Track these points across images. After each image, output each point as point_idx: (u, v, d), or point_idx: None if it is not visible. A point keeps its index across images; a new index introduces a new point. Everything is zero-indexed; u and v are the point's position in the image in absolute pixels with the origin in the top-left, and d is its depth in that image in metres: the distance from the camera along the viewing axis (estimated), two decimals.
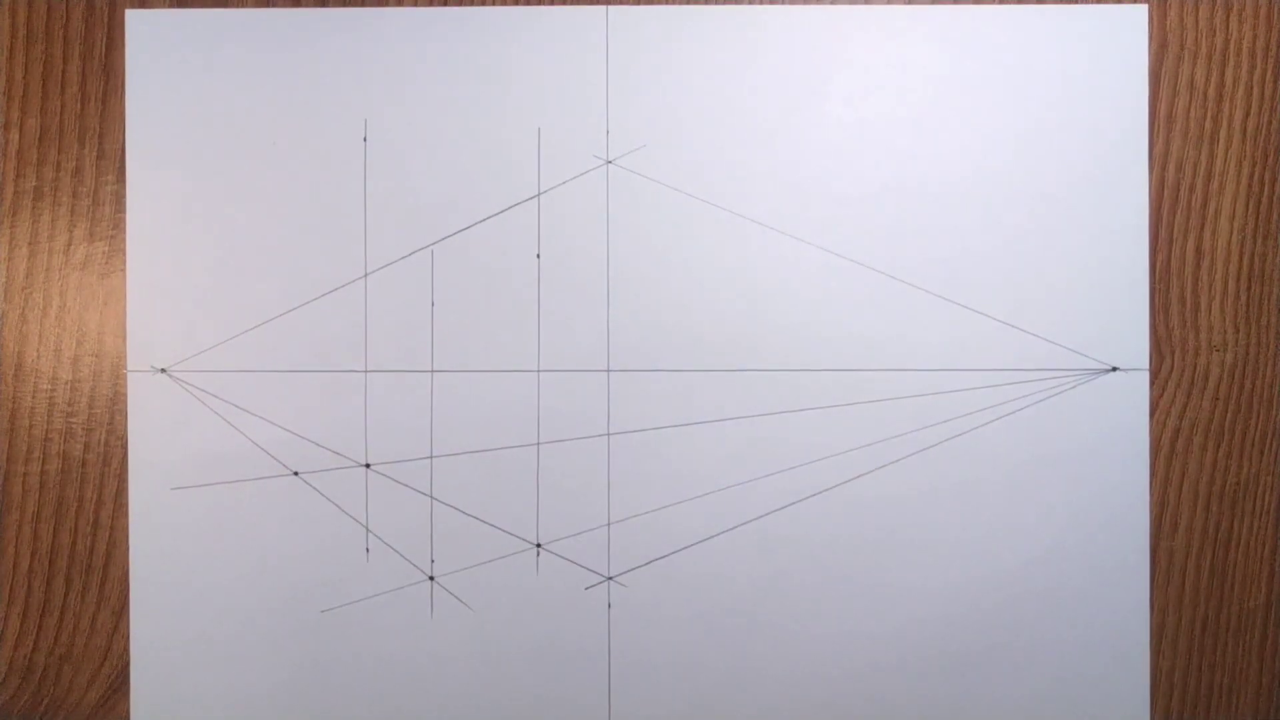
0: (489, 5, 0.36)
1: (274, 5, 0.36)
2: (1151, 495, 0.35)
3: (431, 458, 0.36)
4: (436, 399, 0.36)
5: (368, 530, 0.36)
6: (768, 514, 0.35)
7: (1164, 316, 0.36)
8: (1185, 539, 0.36)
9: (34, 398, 0.36)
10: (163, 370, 0.36)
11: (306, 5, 0.36)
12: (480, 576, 0.36)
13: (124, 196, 0.36)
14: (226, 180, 0.36)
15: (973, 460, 0.35)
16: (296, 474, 0.36)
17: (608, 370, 0.36)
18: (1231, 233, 0.36)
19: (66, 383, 0.36)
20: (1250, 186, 0.36)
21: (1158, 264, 0.36)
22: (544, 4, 0.36)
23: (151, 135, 0.36)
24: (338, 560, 0.35)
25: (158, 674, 0.36)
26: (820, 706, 0.35)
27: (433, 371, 0.36)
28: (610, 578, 0.36)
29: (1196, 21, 0.36)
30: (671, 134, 0.36)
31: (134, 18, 0.36)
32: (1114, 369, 0.35)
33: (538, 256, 0.36)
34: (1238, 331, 0.36)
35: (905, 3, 0.36)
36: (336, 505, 0.35)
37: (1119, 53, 0.35)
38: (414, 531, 0.36)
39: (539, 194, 0.36)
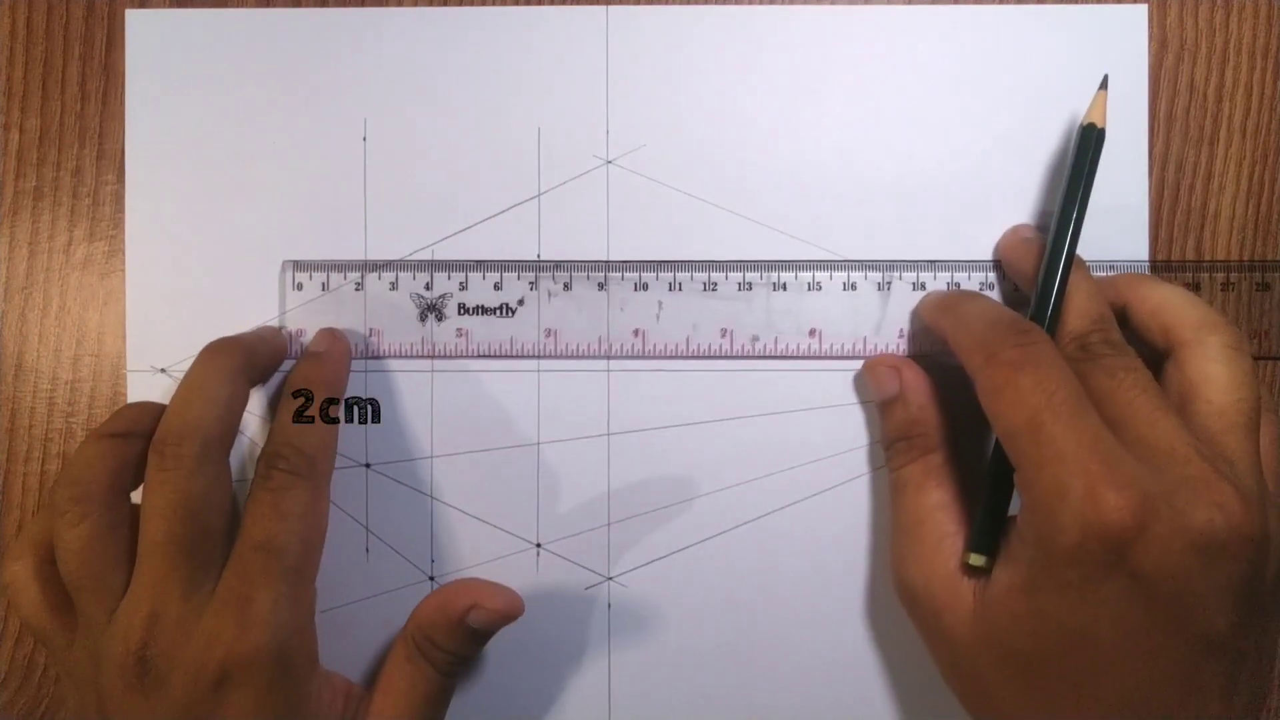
0: (489, 5, 0.36)
1: (274, 5, 0.36)
2: None
3: (432, 457, 0.36)
4: (436, 399, 0.36)
5: (367, 530, 0.36)
6: (768, 514, 0.35)
7: None
8: None
9: (34, 398, 0.36)
10: (163, 370, 0.36)
11: (306, 5, 0.36)
12: (480, 576, 0.35)
13: (124, 196, 0.36)
14: (226, 180, 0.36)
15: (972, 460, 0.35)
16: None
17: (608, 371, 0.36)
18: (1231, 232, 0.36)
19: (66, 383, 0.36)
20: (1250, 186, 0.36)
21: (1158, 264, 0.36)
22: (544, 4, 0.36)
23: (151, 135, 0.36)
24: (338, 560, 0.35)
25: None
26: (821, 707, 0.35)
27: (433, 372, 0.36)
28: (610, 578, 0.36)
29: (1196, 21, 0.36)
30: (671, 134, 0.36)
31: (134, 18, 0.36)
32: None
33: (537, 256, 0.36)
34: None
35: (905, 3, 0.36)
36: (336, 505, 0.35)
37: (1119, 53, 0.35)
38: (414, 531, 0.36)
39: (539, 194, 0.36)
